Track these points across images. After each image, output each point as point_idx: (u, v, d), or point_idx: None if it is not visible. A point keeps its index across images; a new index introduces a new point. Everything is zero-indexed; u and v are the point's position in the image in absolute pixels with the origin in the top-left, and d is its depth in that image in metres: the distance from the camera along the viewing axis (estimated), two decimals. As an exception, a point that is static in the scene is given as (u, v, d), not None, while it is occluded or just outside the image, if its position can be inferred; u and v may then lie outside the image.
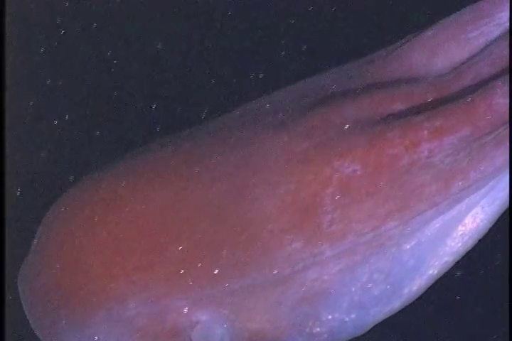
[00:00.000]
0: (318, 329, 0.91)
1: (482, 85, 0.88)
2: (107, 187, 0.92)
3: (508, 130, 0.87)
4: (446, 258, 0.94)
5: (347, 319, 0.92)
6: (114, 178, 0.93)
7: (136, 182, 0.92)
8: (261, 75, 1.24)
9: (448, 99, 0.90)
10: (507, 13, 0.93)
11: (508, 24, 0.93)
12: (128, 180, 0.92)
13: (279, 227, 0.88)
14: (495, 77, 0.89)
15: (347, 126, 0.90)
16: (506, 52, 0.90)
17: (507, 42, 0.91)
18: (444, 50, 0.94)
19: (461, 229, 0.94)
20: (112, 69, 1.23)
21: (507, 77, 0.87)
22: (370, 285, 0.91)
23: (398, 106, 0.92)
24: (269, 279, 0.89)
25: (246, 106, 1.00)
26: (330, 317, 0.91)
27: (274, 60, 1.26)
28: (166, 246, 0.88)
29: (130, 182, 0.92)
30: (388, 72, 0.96)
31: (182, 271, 0.88)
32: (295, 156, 0.90)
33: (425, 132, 0.87)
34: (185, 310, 0.89)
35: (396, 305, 0.95)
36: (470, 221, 0.94)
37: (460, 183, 0.88)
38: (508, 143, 0.87)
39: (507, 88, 0.86)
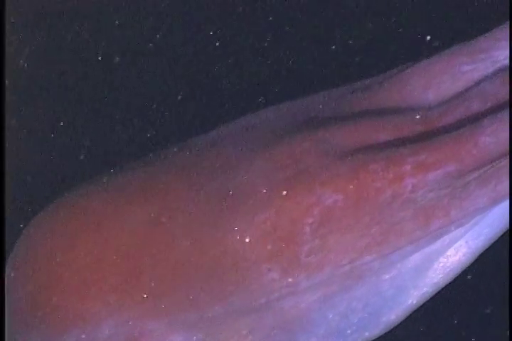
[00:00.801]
0: None
1: (471, 121, 0.87)
2: (86, 206, 0.92)
3: (492, 170, 0.86)
4: (426, 289, 0.94)
5: None
6: (94, 197, 0.93)
7: (118, 202, 0.92)
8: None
9: (436, 133, 0.89)
10: (504, 52, 0.91)
11: (504, 62, 0.91)
12: (109, 199, 0.93)
13: (257, 256, 0.87)
14: (485, 114, 0.87)
15: (331, 154, 0.89)
16: (499, 90, 0.89)
17: (500, 80, 0.89)
18: (437, 82, 0.93)
19: (442, 261, 0.93)
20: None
21: (497, 115, 0.86)
22: (348, 313, 0.91)
23: (385, 137, 0.90)
24: (245, 307, 0.89)
25: (228, 127, 0.99)
26: None
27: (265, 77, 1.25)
28: (143, 269, 0.88)
29: (111, 202, 0.92)
30: (379, 100, 0.94)
31: (158, 295, 0.88)
32: (276, 183, 0.89)
33: (409, 166, 0.86)
34: (159, 334, 0.89)
35: (374, 332, 0.95)
36: (452, 253, 0.93)
37: (441, 221, 0.87)
38: (492, 185, 0.86)
39: (495, 127, 0.85)
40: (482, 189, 0.86)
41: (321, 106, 0.96)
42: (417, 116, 0.91)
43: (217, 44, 1.23)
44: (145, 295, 0.88)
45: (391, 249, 0.88)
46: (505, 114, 0.85)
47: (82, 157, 1.21)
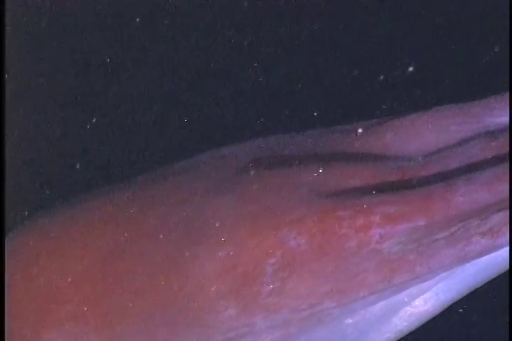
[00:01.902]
0: None
1: (447, 178, 0.86)
2: (49, 232, 0.92)
3: (463, 230, 0.84)
4: (389, 335, 0.93)
5: None
6: (59, 223, 0.93)
7: (81, 230, 0.92)
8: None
9: (411, 185, 0.87)
10: (495, 120, 0.91)
11: (493, 128, 0.91)
12: (73, 226, 0.92)
13: (216, 292, 0.86)
14: (462, 173, 0.86)
15: (302, 195, 0.88)
16: (480, 153, 0.88)
17: (484, 145, 0.88)
18: (422, 136, 0.92)
19: (409, 309, 0.91)
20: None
21: (474, 177, 0.84)
22: None
23: (359, 183, 0.89)
24: None
25: (200, 158, 0.99)
26: None
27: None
28: (100, 297, 0.88)
29: (75, 229, 0.92)
30: (360, 146, 0.93)
31: (113, 325, 0.88)
32: (242, 219, 0.87)
33: (378, 217, 0.84)
34: None
35: None
36: (421, 303, 0.91)
37: (405, 276, 0.85)
38: (461, 245, 0.84)
39: (470, 188, 0.83)
40: (450, 248, 0.84)
41: (297, 145, 0.95)
42: (395, 166, 0.89)
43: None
44: (102, 324, 0.88)
45: (352, 299, 0.86)
46: (483, 177, 0.84)
47: (78, 166, 1.22)
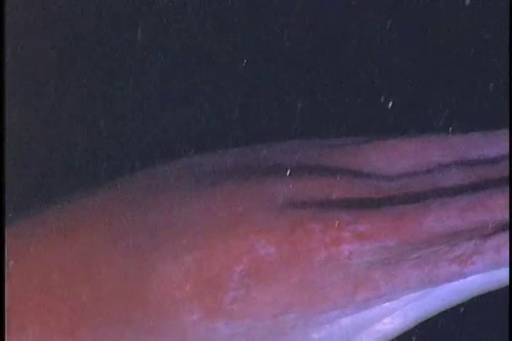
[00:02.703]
0: None
1: (423, 200, 0.86)
2: (17, 237, 0.92)
3: (432, 253, 0.84)
4: None
5: None
6: (27, 230, 0.93)
7: (48, 234, 0.92)
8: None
9: (384, 205, 0.87)
10: (481, 153, 0.92)
11: (478, 161, 0.92)
12: (43, 231, 0.92)
13: (180, 296, 0.86)
14: (436, 198, 0.86)
15: (275, 203, 0.88)
16: (458, 182, 0.89)
17: (462, 175, 0.90)
18: (402, 159, 0.92)
19: (377, 326, 0.91)
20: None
21: (450, 201, 0.85)
22: None
23: (333, 196, 0.89)
24: None
25: (179, 162, 0.99)
26: None
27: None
28: (63, 301, 0.88)
29: (43, 234, 0.92)
30: (340, 161, 0.93)
31: (77, 329, 0.88)
32: (211, 224, 0.88)
33: (348, 234, 0.85)
34: None
35: None
36: (389, 321, 0.91)
37: (369, 293, 0.86)
38: (428, 268, 0.84)
39: (442, 213, 0.84)
40: (416, 270, 0.84)
41: (277, 155, 0.96)
42: (372, 184, 0.90)
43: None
44: (64, 329, 0.88)
45: (314, 312, 0.86)
46: (457, 203, 0.84)
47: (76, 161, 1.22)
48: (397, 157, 0.92)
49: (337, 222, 0.86)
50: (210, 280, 0.86)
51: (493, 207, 0.84)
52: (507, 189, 0.85)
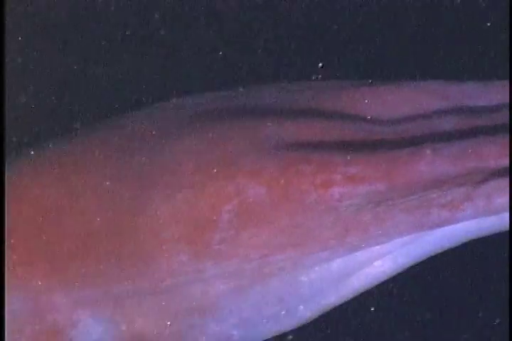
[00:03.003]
0: (203, 338, 0.91)
1: (414, 146, 0.85)
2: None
3: (423, 199, 0.84)
4: (345, 293, 0.93)
5: (235, 333, 0.92)
6: (18, 169, 0.93)
7: (38, 174, 0.92)
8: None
9: (377, 148, 0.86)
10: (476, 103, 0.91)
11: (469, 107, 0.91)
12: (31, 171, 0.93)
13: (169, 236, 0.87)
14: (430, 143, 0.85)
15: (267, 145, 0.87)
16: (452, 128, 0.88)
17: (457, 122, 0.89)
18: (397, 105, 0.92)
19: (367, 270, 0.91)
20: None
21: (441, 148, 0.84)
22: (261, 306, 0.91)
23: (326, 138, 0.88)
24: (152, 287, 0.89)
25: (167, 105, 0.98)
26: (217, 329, 0.91)
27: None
28: (52, 240, 0.88)
29: (32, 174, 0.92)
30: (335, 104, 0.92)
31: (65, 268, 0.88)
32: (203, 165, 0.87)
33: (339, 176, 0.84)
34: (66, 309, 0.89)
35: (287, 325, 0.94)
36: (379, 264, 0.91)
37: (358, 235, 0.86)
38: (418, 214, 0.84)
39: (435, 158, 0.83)
40: (407, 215, 0.84)
41: (271, 97, 0.95)
42: (367, 128, 0.89)
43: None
44: (52, 269, 0.88)
45: (304, 253, 0.87)
46: (450, 149, 0.84)
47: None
48: (393, 102, 0.91)
49: (329, 163, 0.85)
50: (199, 220, 0.86)
51: (486, 155, 0.83)
52: (507, 136, 0.84)
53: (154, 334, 0.91)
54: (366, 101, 0.92)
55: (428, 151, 0.84)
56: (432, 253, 0.93)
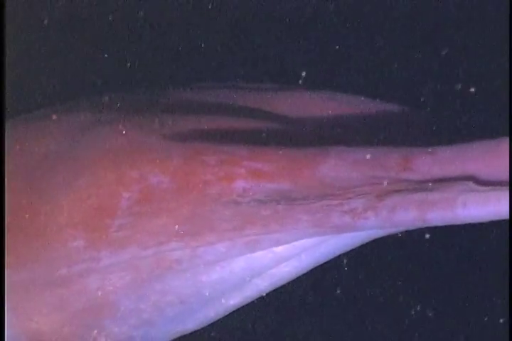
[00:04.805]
0: (103, 339, 0.89)
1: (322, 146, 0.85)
2: None
3: (325, 202, 0.82)
4: (249, 294, 0.91)
5: (135, 334, 0.90)
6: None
7: None
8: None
9: (286, 144, 0.86)
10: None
11: None
12: None
13: (67, 221, 0.86)
14: (337, 144, 0.85)
15: (173, 135, 0.87)
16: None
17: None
18: (313, 110, 0.94)
19: (272, 271, 0.89)
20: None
21: (344, 150, 0.83)
22: (163, 306, 0.88)
23: (235, 133, 0.88)
24: (48, 277, 0.87)
25: (80, 102, 1.00)
26: (116, 330, 0.89)
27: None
28: None
29: None
30: (250, 103, 0.95)
31: None
32: (105, 153, 0.87)
33: (243, 170, 0.83)
34: None
35: (190, 326, 0.92)
36: (283, 265, 0.89)
37: (257, 229, 0.83)
38: (318, 216, 0.82)
39: (340, 162, 0.82)
40: (307, 215, 0.82)
41: (185, 94, 0.96)
42: (279, 125, 0.90)
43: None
44: None
45: (201, 242, 0.85)
46: (355, 155, 0.83)
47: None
48: (306, 106, 0.93)
49: (234, 156, 0.84)
50: (98, 206, 0.85)
51: (389, 166, 0.81)
52: (413, 149, 0.82)
53: (52, 333, 0.89)
54: (280, 103, 0.93)
55: (332, 154, 0.83)
56: (339, 254, 0.90)
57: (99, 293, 0.87)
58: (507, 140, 0.77)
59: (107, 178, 0.86)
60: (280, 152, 0.84)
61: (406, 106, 0.97)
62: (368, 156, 0.82)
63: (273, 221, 0.83)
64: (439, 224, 0.80)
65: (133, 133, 0.88)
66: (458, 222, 0.79)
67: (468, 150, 0.79)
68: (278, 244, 0.85)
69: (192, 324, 0.92)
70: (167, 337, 0.93)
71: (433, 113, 0.97)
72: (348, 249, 0.90)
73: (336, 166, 0.82)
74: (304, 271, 0.90)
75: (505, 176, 0.77)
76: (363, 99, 0.96)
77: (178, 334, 0.93)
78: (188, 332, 0.93)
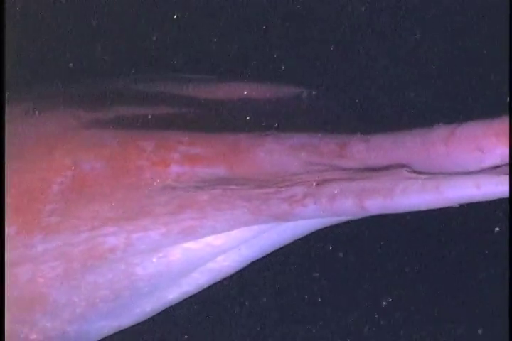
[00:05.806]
0: (34, 336, 0.86)
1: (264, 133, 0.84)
2: None
3: (263, 189, 0.81)
4: (188, 288, 0.88)
5: (68, 329, 0.87)
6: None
7: None
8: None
9: (223, 130, 0.85)
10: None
11: None
12: None
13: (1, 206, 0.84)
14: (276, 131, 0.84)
15: (108, 121, 0.87)
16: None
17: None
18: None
19: (211, 265, 0.87)
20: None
21: (280, 136, 0.82)
22: (96, 301, 0.85)
23: (174, 121, 0.87)
24: None
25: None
26: (48, 325, 0.86)
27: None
28: None
29: None
30: (190, 92, 0.94)
31: None
32: (43, 139, 0.86)
33: (178, 155, 0.82)
34: None
35: (126, 322, 0.89)
36: (222, 259, 0.87)
37: (193, 213, 0.82)
38: (256, 202, 0.80)
39: (275, 147, 0.81)
40: (244, 202, 0.80)
41: (127, 84, 0.96)
42: (214, 111, 0.90)
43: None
44: None
45: (135, 227, 0.83)
46: (294, 140, 0.81)
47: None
48: (242, 96, 0.93)
49: (169, 141, 0.83)
50: (29, 191, 0.84)
51: (324, 152, 0.80)
52: (341, 136, 0.81)
53: None
54: (220, 93, 0.93)
55: (269, 139, 0.81)
56: (279, 246, 0.87)
57: (31, 285, 0.85)
58: (439, 129, 0.76)
59: (39, 164, 0.85)
60: (217, 137, 0.83)
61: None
62: (304, 141, 0.81)
63: (209, 206, 0.81)
64: (378, 212, 0.78)
65: (69, 121, 0.88)
66: (396, 210, 0.77)
67: (401, 139, 0.77)
68: (214, 231, 0.83)
69: (128, 319, 0.89)
70: (102, 333, 0.90)
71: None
72: (289, 241, 0.87)
73: (272, 151, 0.80)
74: (243, 265, 0.88)
75: (439, 164, 0.76)
76: (294, 88, 0.96)
77: (114, 330, 0.90)
78: (125, 327, 0.90)
